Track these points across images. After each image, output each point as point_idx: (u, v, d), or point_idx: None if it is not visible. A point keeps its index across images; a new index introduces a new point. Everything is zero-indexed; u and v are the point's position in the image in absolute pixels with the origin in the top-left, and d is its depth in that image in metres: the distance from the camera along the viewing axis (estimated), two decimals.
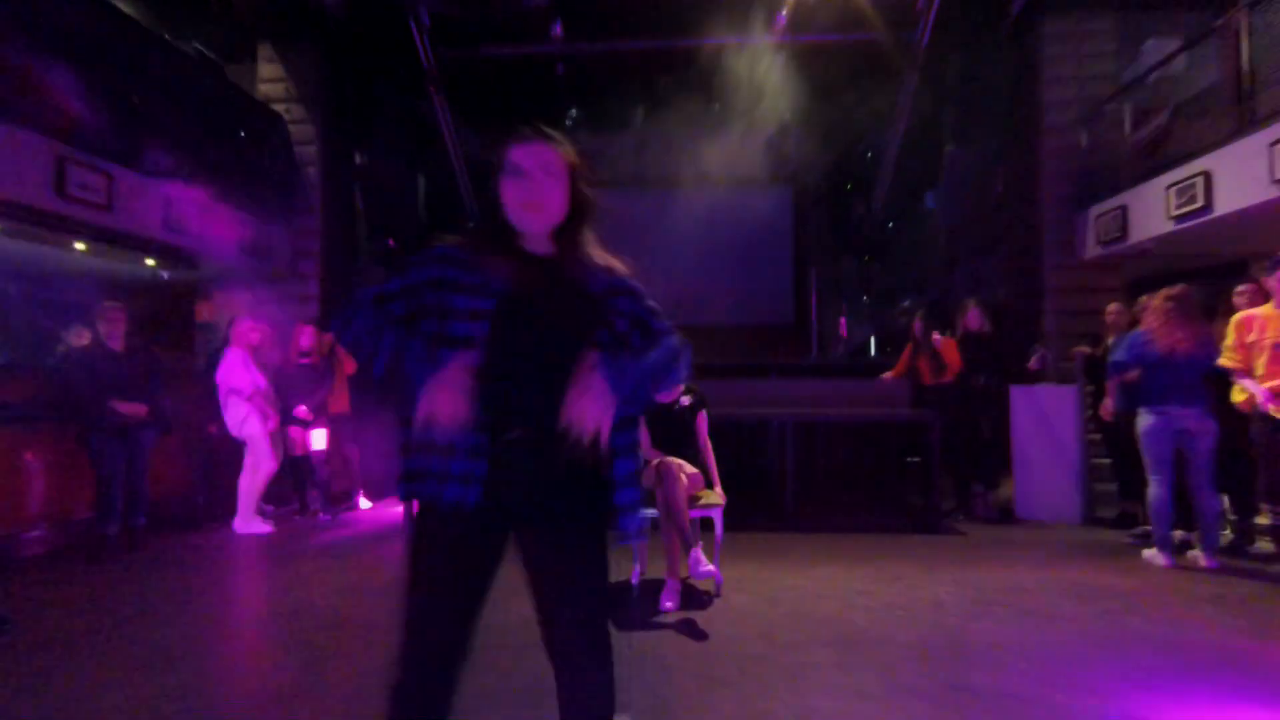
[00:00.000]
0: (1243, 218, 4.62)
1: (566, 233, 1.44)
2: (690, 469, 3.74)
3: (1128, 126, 6.02)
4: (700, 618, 3.30)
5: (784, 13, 6.74)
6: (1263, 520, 4.22)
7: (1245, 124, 4.54)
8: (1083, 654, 2.85)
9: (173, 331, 7.06)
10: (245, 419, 5.25)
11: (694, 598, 3.58)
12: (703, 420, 4.03)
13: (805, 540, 4.85)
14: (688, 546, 3.47)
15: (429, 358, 1.29)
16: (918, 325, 5.69)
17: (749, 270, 9.59)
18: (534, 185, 1.38)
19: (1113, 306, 5.34)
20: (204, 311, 7.33)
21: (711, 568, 3.45)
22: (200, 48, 6.36)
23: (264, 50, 7.03)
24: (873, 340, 8.55)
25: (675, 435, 3.94)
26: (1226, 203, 4.64)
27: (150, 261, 5.80)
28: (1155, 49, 6.67)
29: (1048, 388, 5.70)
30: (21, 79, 4.38)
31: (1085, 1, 6.61)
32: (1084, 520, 5.41)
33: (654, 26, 7.27)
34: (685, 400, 4.01)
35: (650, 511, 3.67)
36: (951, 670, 2.65)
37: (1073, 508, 5.44)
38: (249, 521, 5.25)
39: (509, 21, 7.20)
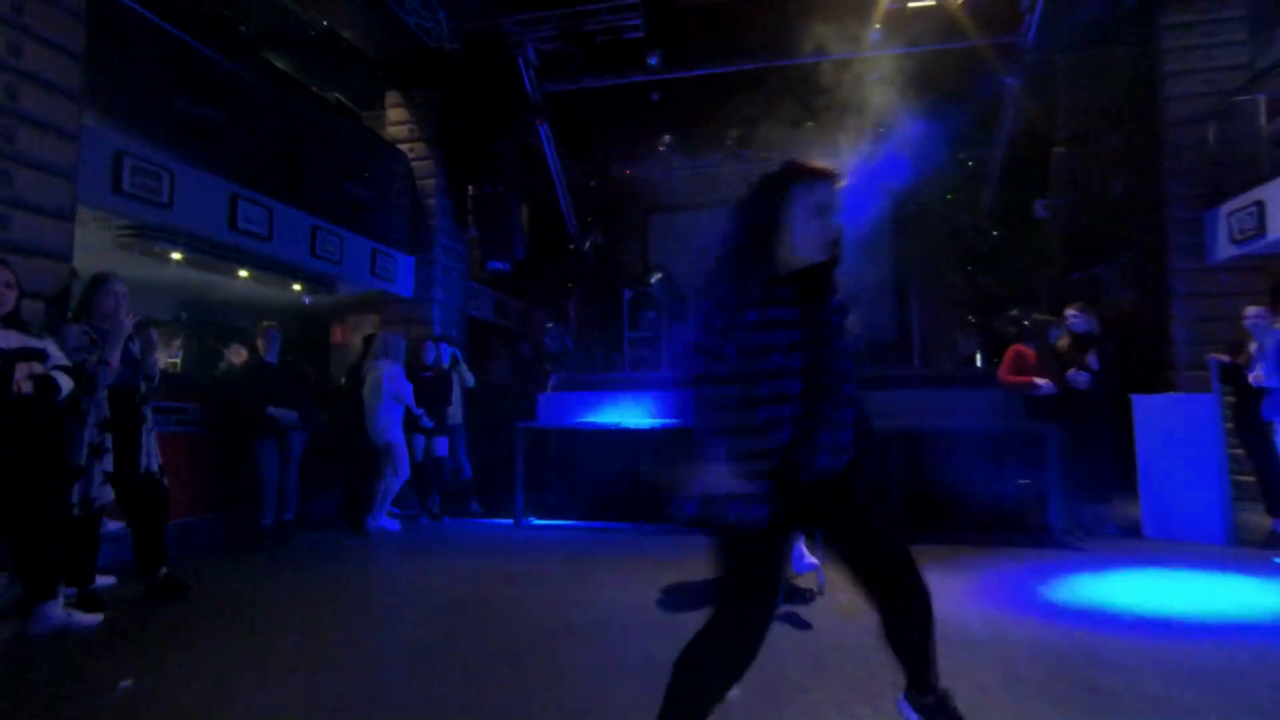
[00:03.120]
0: None
1: (833, 259, 1.61)
2: None
3: (1263, 117, 5.60)
4: (804, 611, 3.35)
5: (878, 26, 6.76)
6: None
7: None
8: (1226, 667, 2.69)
9: (312, 352, 7.87)
10: (393, 428, 5.75)
11: (798, 594, 3.62)
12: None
13: (915, 548, 4.75)
14: (793, 541, 3.54)
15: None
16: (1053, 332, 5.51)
17: (847, 281, 9.48)
18: (835, 223, 1.56)
19: (1251, 310, 4.96)
20: (338, 334, 8.11)
21: (815, 560, 3.50)
22: (340, 97, 7.19)
23: (391, 97, 7.81)
24: (978, 353, 8.22)
25: None
26: None
27: (296, 287, 6.54)
28: None
29: (1180, 396, 5.33)
30: (202, 128, 5.14)
31: None
32: (1226, 540, 4.99)
33: (747, 49, 7.48)
34: None
35: None
36: (1074, 669, 2.58)
37: (1214, 526, 5.02)
38: (381, 520, 5.74)
39: (608, 53, 7.64)
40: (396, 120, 7.82)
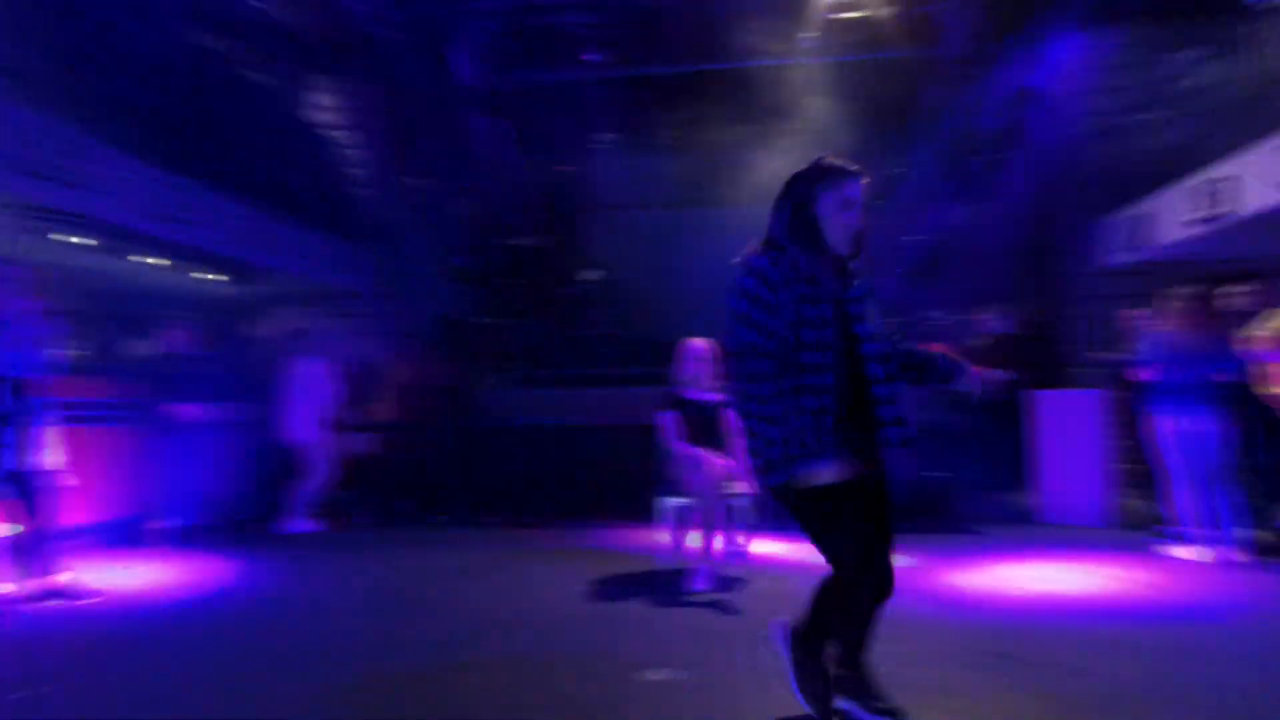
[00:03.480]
0: (1265, 220, 4.71)
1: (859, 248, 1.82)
2: (722, 459, 3.97)
3: (1147, 137, 6.13)
4: (735, 597, 3.49)
5: (814, 32, 6.99)
6: None
7: (1269, 128, 4.64)
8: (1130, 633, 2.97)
9: (237, 345, 7.53)
10: (313, 426, 5.58)
11: (725, 582, 3.75)
12: (732, 416, 4.26)
13: None
14: (722, 528, 3.69)
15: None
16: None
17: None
18: (861, 216, 1.77)
19: (1135, 312, 5.43)
20: (264, 327, 7.80)
21: (745, 549, 3.65)
22: (267, 78, 6.89)
23: (321, 80, 7.56)
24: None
25: (706, 432, 4.17)
26: (1250, 204, 4.73)
27: (221, 277, 6.27)
28: (1171, 62, 6.77)
29: (1071, 392, 5.78)
30: (116, 105, 4.86)
31: (1103, 14, 6.75)
32: (1108, 524, 5.43)
33: (689, 51, 7.60)
34: (716, 398, 4.24)
35: (683, 500, 3.90)
36: (998, 641, 2.75)
37: (1098, 512, 5.47)
38: (301, 522, 5.56)
39: (550, 48, 7.62)
40: (327, 105, 7.58)
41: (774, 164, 8.99)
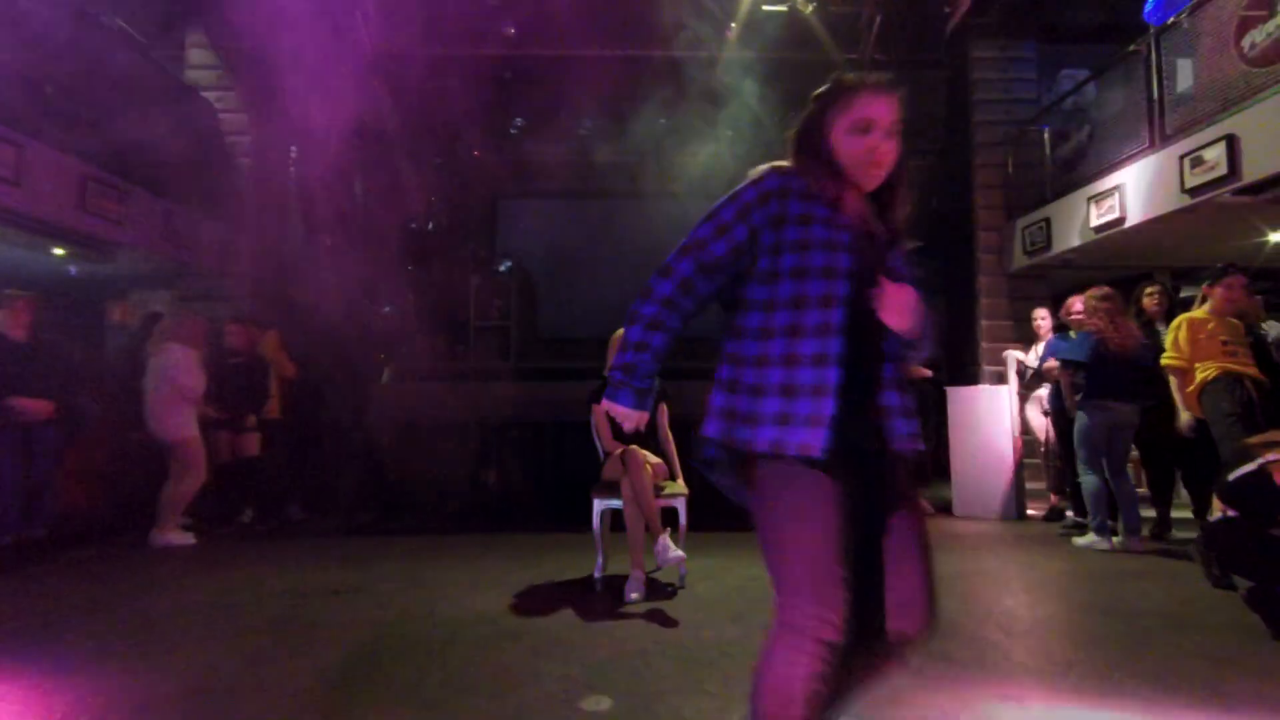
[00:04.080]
0: (1155, 226, 5.00)
1: (891, 190, 1.41)
2: (654, 459, 3.70)
3: (1048, 147, 6.45)
4: (668, 607, 3.24)
5: (733, 26, 6.90)
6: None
7: (1157, 140, 4.93)
8: (1046, 622, 2.95)
9: (84, 333, 6.51)
10: (182, 423, 4.85)
11: (659, 589, 3.52)
12: (663, 413, 4.00)
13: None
14: (654, 532, 3.41)
15: (805, 291, 1.30)
16: None
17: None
18: (884, 145, 1.35)
19: (1039, 311, 5.69)
20: (119, 312, 6.79)
21: (679, 553, 3.40)
22: (124, 25, 5.96)
23: (194, 35, 6.65)
24: None
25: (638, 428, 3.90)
26: (1140, 211, 5.01)
27: (59, 251, 5.32)
28: (1068, 78, 7.20)
29: (982, 388, 5.97)
30: None
31: (1008, 30, 7.08)
32: (1017, 515, 5.65)
33: (606, 36, 7.31)
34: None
35: (615, 502, 3.60)
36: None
37: (1006, 504, 5.66)
38: (169, 533, 4.83)
39: (459, 20, 7.09)
40: (199, 63, 6.67)
41: (700, 154, 8.90)
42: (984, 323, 6.81)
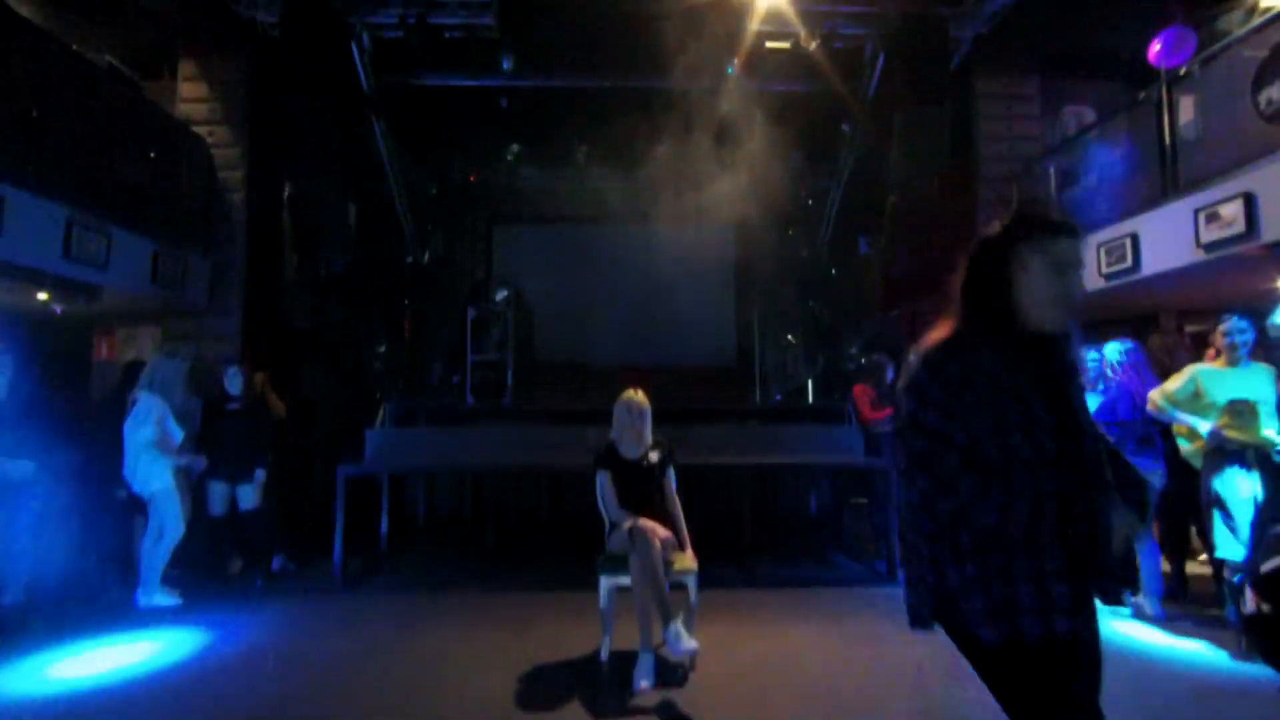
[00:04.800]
0: (1168, 278, 4.92)
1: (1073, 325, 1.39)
2: (664, 532, 3.55)
3: (1053, 185, 6.38)
4: (681, 697, 3.08)
5: (736, 61, 6.81)
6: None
7: (1169, 189, 4.86)
8: None
9: (68, 371, 6.31)
10: (161, 477, 4.67)
11: (669, 671, 3.37)
12: (671, 476, 3.87)
13: (771, 596, 4.73)
14: (666, 619, 3.26)
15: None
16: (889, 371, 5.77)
17: (694, 307, 9.58)
18: (1078, 283, 1.32)
19: None
20: (104, 349, 6.60)
21: (692, 644, 3.24)
22: (114, 62, 5.79)
23: (186, 67, 6.49)
24: (810, 385, 8.64)
25: (643, 493, 3.75)
26: (1154, 263, 4.93)
27: (42, 296, 5.14)
28: (1072, 114, 7.16)
29: None
30: None
31: (1013, 65, 7.04)
32: None
33: (604, 66, 7.21)
34: (654, 456, 3.83)
35: (622, 579, 3.45)
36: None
37: None
38: (154, 593, 4.64)
39: (456, 50, 6.97)
40: (192, 96, 6.51)
41: (702, 181, 8.82)
42: None
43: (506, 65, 6.97)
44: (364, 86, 6.75)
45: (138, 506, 4.85)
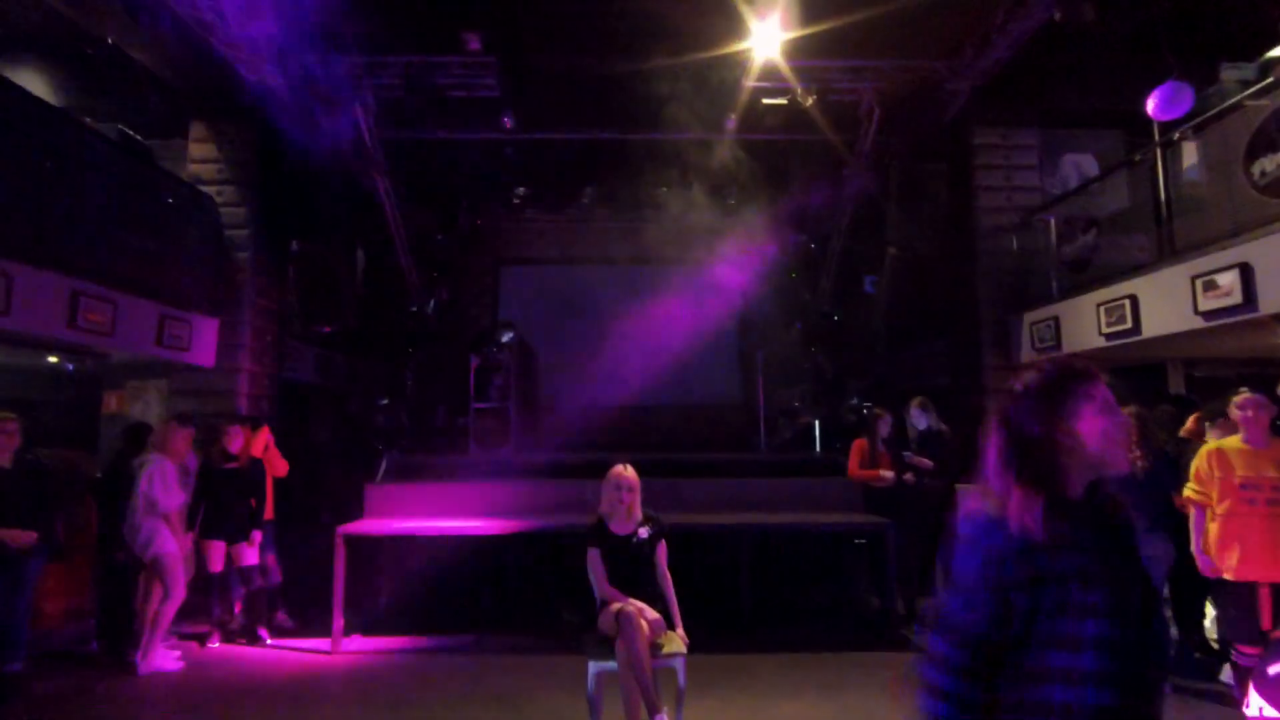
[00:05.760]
0: (1170, 340, 4.87)
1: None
2: (651, 614, 3.52)
3: (1054, 237, 6.36)
4: None
5: (733, 116, 6.90)
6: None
7: (1166, 252, 4.83)
8: None
9: (74, 426, 6.42)
10: (162, 538, 4.73)
11: None
12: (663, 552, 3.84)
13: (767, 662, 4.67)
14: (652, 710, 3.23)
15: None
16: (884, 424, 5.74)
17: (698, 350, 9.61)
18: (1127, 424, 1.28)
19: None
20: (112, 402, 6.71)
21: None
22: (124, 129, 5.97)
23: (196, 129, 6.68)
24: (817, 426, 8.60)
25: (633, 570, 3.72)
26: (1153, 327, 4.88)
27: (52, 359, 5.26)
28: (1071, 164, 7.16)
29: None
30: None
31: (1009, 116, 7.06)
32: None
33: (605, 121, 7.32)
34: (644, 532, 3.81)
35: (609, 664, 3.42)
36: None
37: None
38: (154, 656, 4.67)
39: (459, 108, 7.11)
40: (201, 157, 6.68)
41: (705, 225, 8.90)
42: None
43: (508, 124, 7.09)
44: (368, 144, 6.89)
45: (138, 567, 4.89)
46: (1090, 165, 7.04)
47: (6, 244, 4.32)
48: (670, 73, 6.44)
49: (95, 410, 6.82)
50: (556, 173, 9.44)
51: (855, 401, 7.42)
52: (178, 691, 4.29)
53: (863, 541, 5.97)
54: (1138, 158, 5.15)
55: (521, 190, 10.05)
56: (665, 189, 8.89)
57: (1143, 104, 5.74)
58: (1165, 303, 4.76)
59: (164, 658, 4.72)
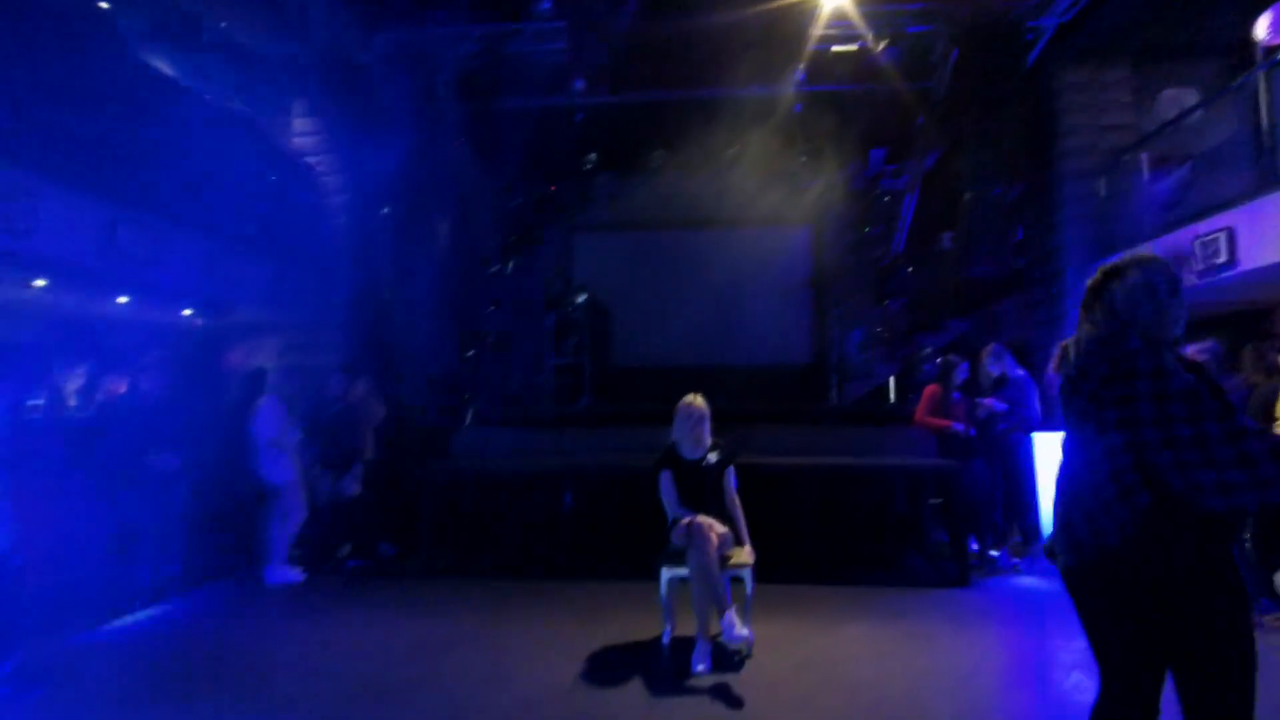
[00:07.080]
0: (1268, 273, 4.63)
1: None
2: (720, 528, 3.75)
3: (1146, 175, 6.06)
4: (734, 681, 3.29)
5: (802, 67, 6.87)
6: None
7: (1268, 180, 4.57)
8: None
9: (207, 376, 7.21)
10: (282, 469, 5.35)
11: (725, 659, 3.56)
12: (731, 477, 4.05)
13: (832, 594, 4.82)
14: (721, 608, 3.48)
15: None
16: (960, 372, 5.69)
17: (769, 309, 9.66)
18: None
19: None
20: (235, 356, 7.48)
21: (745, 632, 3.45)
22: (239, 105, 6.60)
23: (299, 106, 7.28)
24: (892, 382, 8.52)
25: (703, 492, 3.95)
26: (1251, 259, 4.65)
27: (186, 312, 5.97)
28: (1171, 99, 6.74)
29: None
30: (74, 141, 4.57)
31: (1101, 52, 6.70)
32: None
33: (673, 80, 7.43)
34: (713, 457, 4.03)
35: (681, 571, 3.69)
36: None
37: None
38: (280, 569, 5.31)
39: (532, 74, 7.40)
40: (303, 130, 7.29)
41: (777, 183, 8.89)
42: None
43: (579, 86, 7.32)
44: (449, 113, 7.30)
45: (263, 495, 5.53)
46: (1193, 100, 6.61)
47: (154, 203, 4.93)
48: (738, 26, 6.48)
49: (221, 363, 7.63)
50: (627, 137, 9.62)
51: (929, 350, 7.33)
52: (299, 601, 4.89)
53: (939, 501, 5.98)
54: (1239, 82, 4.86)
55: (593, 155, 10.32)
56: (735, 148, 8.92)
57: (1250, 29, 5.38)
58: (1266, 233, 4.53)
59: (288, 572, 5.36)
